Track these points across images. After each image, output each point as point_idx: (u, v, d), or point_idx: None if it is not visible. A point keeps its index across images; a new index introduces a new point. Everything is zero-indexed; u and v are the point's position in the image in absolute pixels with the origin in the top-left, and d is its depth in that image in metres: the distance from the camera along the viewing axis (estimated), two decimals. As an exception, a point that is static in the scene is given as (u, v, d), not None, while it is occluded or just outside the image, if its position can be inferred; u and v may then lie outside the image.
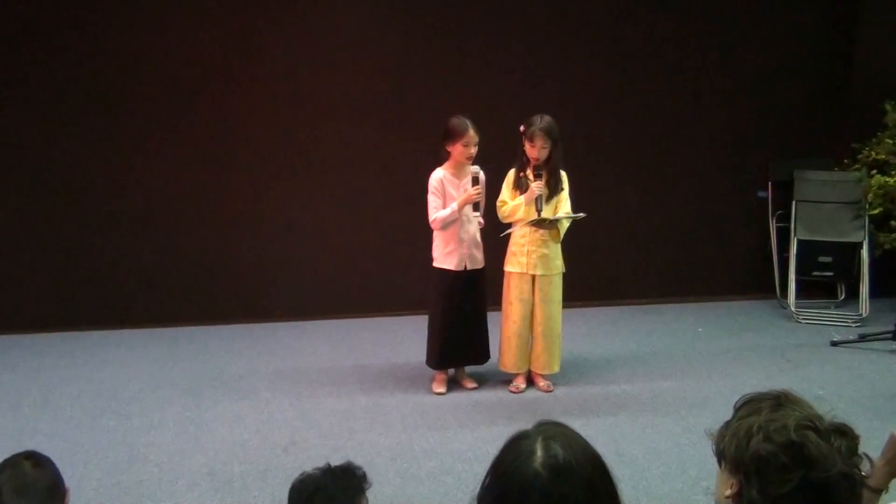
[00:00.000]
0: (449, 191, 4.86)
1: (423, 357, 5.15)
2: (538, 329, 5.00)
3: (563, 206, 4.92)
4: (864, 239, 6.42)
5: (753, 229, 6.97)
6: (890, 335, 5.75)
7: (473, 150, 4.80)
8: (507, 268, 5.00)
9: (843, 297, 6.76)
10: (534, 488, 1.47)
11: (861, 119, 6.53)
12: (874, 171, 6.28)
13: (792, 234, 6.59)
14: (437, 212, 4.84)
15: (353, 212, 6.40)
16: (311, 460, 4.05)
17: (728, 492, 1.62)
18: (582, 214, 4.87)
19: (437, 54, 6.33)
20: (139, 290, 6.22)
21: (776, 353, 5.71)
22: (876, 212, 6.30)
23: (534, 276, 4.94)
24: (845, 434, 1.58)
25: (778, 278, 6.78)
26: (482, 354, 5.12)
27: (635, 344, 5.93)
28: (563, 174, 4.93)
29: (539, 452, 1.49)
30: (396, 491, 3.82)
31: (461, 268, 4.92)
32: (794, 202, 6.63)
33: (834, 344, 5.84)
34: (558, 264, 4.99)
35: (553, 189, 4.89)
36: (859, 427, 1.64)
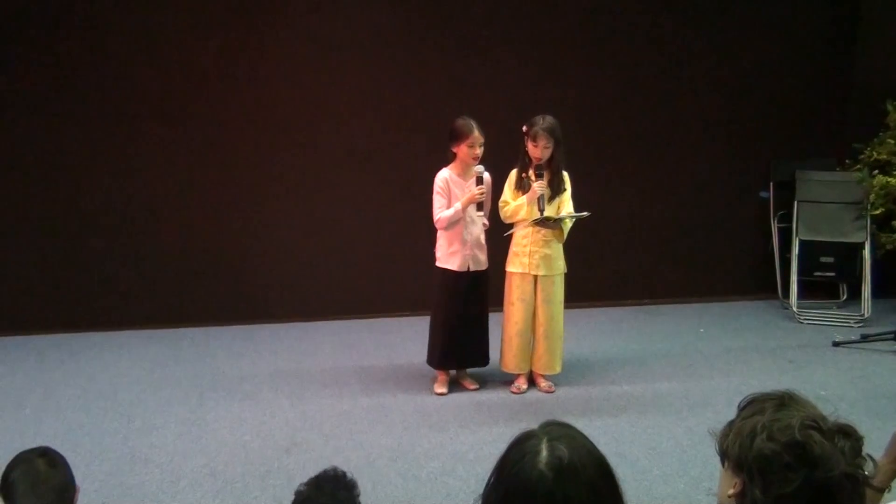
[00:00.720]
0: (454, 191, 4.86)
1: (425, 357, 5.15)
2: (540, 330, 5.00)
3: (565, 207, 4.92)
4: (866, 239, 6.42)
5: (755, 230, 6.97)
6: (892, 335, 5.74)
7: (479, 151, 4.81)
8: (509, 268, 5.00)
9: (845, 297, 6.76)
10: (538, 489, 1.47)
11: (863, 119, 6.53)
12: (876, 172, 6.28)
13: (794, 235, 6.59)
14: (441, 211, 4.85)
15: (354, 212, 6.40)
16: (313, 461, 4.08)
17: (731, 491, 1.62)
18: (586, 213, 4.86)
19: (439, 54, 6.33)
20: (141, 292, 6.22)
21: (778, 353, 5.71)
22: (878, 212, 6.30)
23: (536, 277, 4.94)
24: (849, 435, 1.58)
25: (780, 279, 6.78)
26: (483, 356, 5.12)
27: (637, 344, 5.92)
28: (566, 174, 4.93)
29: (544, 453, 1.50)
30: (398, 492, 3.82)
31: (464, 269, 4.92)
32: (795, 202, 6.63)
33: (836, 344, 5.84)
34: (560, 265, 4.98)
35: (555, 189, 4.89)
36: (862, 427, 1.63)
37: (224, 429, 4.52)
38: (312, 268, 6.40)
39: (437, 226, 4.91)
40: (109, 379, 5.26)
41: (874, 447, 1.73)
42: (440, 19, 6.31)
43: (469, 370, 5.17)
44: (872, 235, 6.42)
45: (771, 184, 6.84)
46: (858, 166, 6.43)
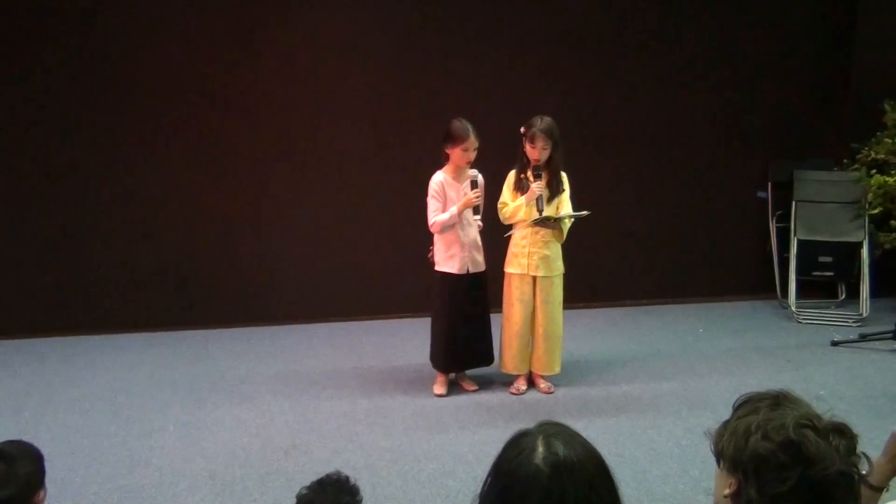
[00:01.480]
0: (449, 194, 4.87)
1: (425, 359, 5.16)
2: (539, 330, 5.00)
3: (564, 208, 4.92)
4: (864, 239, 6.43)
5: (753, 230, 6.97)
6: (890, 335, 5.75)
7: (472, 155, 4.82)
8: (508, 269, 5.00)
9: (843, 297, 6.76)
10: (535, 484, 1.47)
11: (860, 119, 6.53)
12: (874, 171, 6.28)
13: (792, 235, 6.59)
14: (436, 215, 4.85)
15: (353, 215, 6.41)
16: (312, 463, 4.08)
17: (727, 491, 1.63)
18: (585, 212, 4.87)
19: (437, 56, 6.34)
20: (140, 294, 6.22)
21: (777, 353, 5.71)
22: (876, 211, 6.30)
23: (535, 278, 4.94)
24: (843, 433, 1.58)
25: (778, 278, 6.78)
26: (486, 357, 5.13)
27: (636, 345, 5.93)
28: (564, 175, 4.94)
29: (540, 449, 1.51)
30: (397, 493, 3.82)
31: (463, 271, 4.92)
32: (793, 202, 6.64)
33: (834, 344, 5.84)
34: (559, 265, 4.99)
35: (554, 190, 4.89)
36: (860, 427, 1.64)
37: (223, 431, 4.52)
38: (311, 270, 6.41)
39: (431, 229, 4.92)
40: (108, 381, 5.26)
41: (873, 446, 1.73)
42: (438, 22, 6.32)
43: (469, 371, 5.17)
44: (870, 235, 6.43)
45: (769, 184, 6.85)
46: (856, 166, 6.43)
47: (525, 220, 4.88)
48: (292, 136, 6.26)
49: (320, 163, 6.32)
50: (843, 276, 6.64)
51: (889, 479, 2.03)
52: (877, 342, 5.80)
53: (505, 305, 5.04)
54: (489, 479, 1.56)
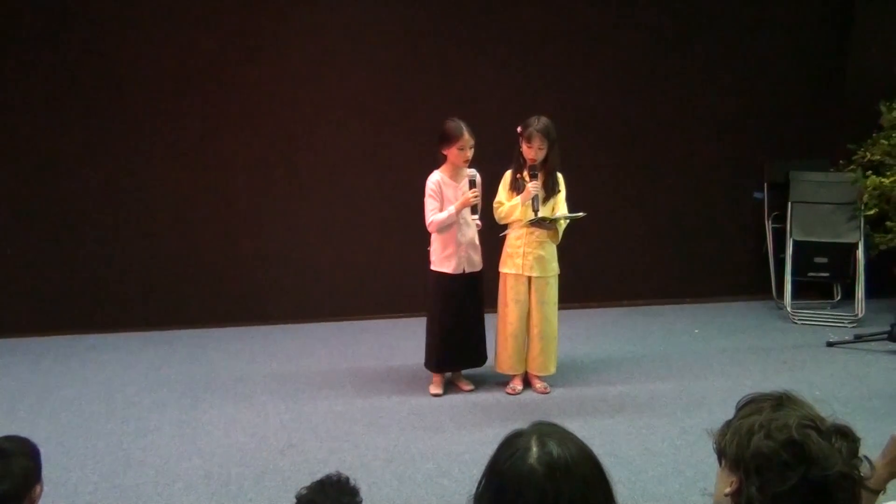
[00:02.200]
0: (446, 193, 4.86)
1: (420, 359, 5.15)
2: (534, 331, 5.00)
3: (560, 208, 4.92)
4: (860, 240, 6.44)
5: (749, 231, 6.99)
6: (885, 335, 5.77)
7: (469, 154, 4.81)
8: (503, 269, 5.00)
9: (838, 297, 6.78)
10: (529, 484, 1.47)
11: (856, 120, 6.55)
12: (869, 172, 6.30)
13: (788, 235, 6.60)
14: (434, 214, 4.85)
15: (350, 215, 6.40)
16: (308, 463, 4.08)
17: (727, 490, 1.63)
18: (581, 214, 4.87)
19: (434, 56, 6.34)
20: (136, 294, 6.21)
21: (772, 353, 5.72)
22: (871, 213, 6.32)
23: (529, 278, 4.94)
24: (846, 435, 1.59)
25: (774, 279, 6.79)
26: (480, 357, 5.13)
27: (632, 345, 5.93)
28: (560, 176, 4.94)
29: (534, 449, 1.51)
30: (393, 493, 3.82)
31: (459, 271, 4.92)
32: (789, 203, 6.64)
33: (830, 345, 5.86)
34: (554, 266, 4.99)
35: (550, 191, 4.89)
36: (856, 427, 1.64)
37: (219, 430, 4.51)
38: (307, 270, 6.40)
39: (429, 229, 4.91)
40: (104, 381, 5.25)
41: (868, 447, 1.73)
42: (436, 21, 6.32)
43: (464, 371, 5.17)
44: (866, 236, 6.44)
45: (765, 184, 6.86)
46: (852, 167, 6.44)
47: (521, 221, 4.88)
48: (288, 135, 6.25)
49: (317, 162, 6.32)
50: (838, 277, 6.65)
51: (886, 481, 2.04)
52: (872, 343, 5.81)
53: (500, 306, 5.04)
54: (483, 479, 1.56)
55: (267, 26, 6.10)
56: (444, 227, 4.86)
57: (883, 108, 6.28)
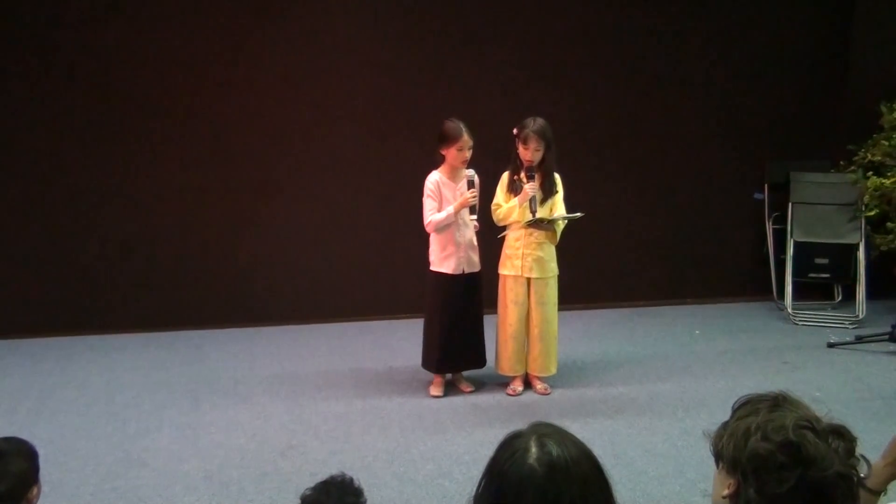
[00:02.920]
0: (445, 194, 4.86)
1: (420, 360, 5.15)
2: (534, 332, 5.00)
3: (557, 209, 4.92)
4: (861, 240, 6.43)
5: (750, 231, 6.98)
6: (886, 336, 5.75)
7: (468, 154, 4.81)
8: (502, 271, 5.00)
9: (839, 298, 6.77)
10: (529, 484, 1.47)
11: (857, 121, 6.54)
12: (870, 173, 6.29)
13: (788, 236, 6.59)
14: (432, 214, 4.85)
15: (349, 215, 6.40)
16: (309, 464, 4.08)
17: (725, 492, 1.63)
18: (579, 214, 4.87)
19: (433, 56, 6.34)
20: (136, 294, 6.21)
21: (773, 354, 5.71)
22: (872, 213, 6.31)
23: (528, 280, 4.94)
24: (843, 435, 1.59)
25: (774, 280, 6.78)
26: (479, 359, 5.12)
27: (632, 346, 5.93)
28: (557, 177, 4.93)
29: (534, 449, 1.51)
30: (394, 494, 3.82)
31: (459, 272, 4.92)
32: (790, 204, 6.63)
33: (831, 345, 5.85)
34: (553, 267, 4.98)
35: (547, 191, 4.88)
36: (856, 428, 1.64)
37: (219, 432, 4.51)
38: (307, 270, 6.40)
39: (427, 229, 4.91)
40: (104, 382, 5.25)
41: (869, 448, 1.73)
42: (433, 22, 6.31)
43: (465, 373, 5.17)
44: (867, 237, 6.43)
45: (765, 185, 6.86)
46: (853, 168, 6.44)
47: (519, 222, 4.88)
48: (287, 136, 6.25)
49: (317, 163, 6.32)
50: (839, 278, 6.65)
51: (887, 482, 2.04)
52: (873, 344, 5.80)
53: (499, 307, 5.04)
54: (483, 480, 1.56)
55: (266, 27, 6.10)
56: (442, 227, 4.86)
57: (883, 109, 6.27)
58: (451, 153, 4.81)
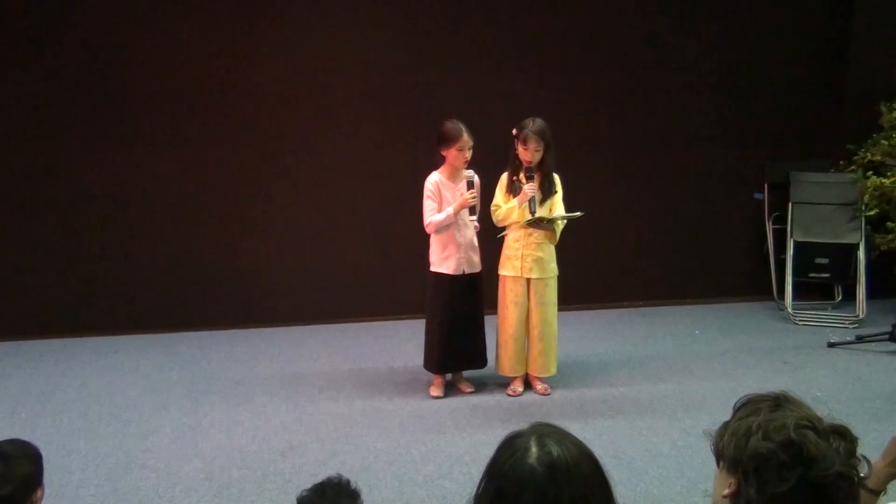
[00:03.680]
0: (445, 194, 4.87)
1: (421, 361, 5.15)
2: (534, 332, 5.00)
3: (557, 209, 4.91)
4: (861, 240, 6.43)
5: (750, 231, 6.98)
6: (887, 336, 5.75)
7: (468, 155, 4.82)
8: (502, 271, 5.00)
9: (839, 298, 6.77)
10: (530, 484, 1.47)
11: (857, 121, 6.54)
12: (870, 173, 6.29)
13: (788, 236, 6.60)
14: (432, 215, 4.85)
15: (350, 216, 6.40)
16: (309, 465, 4.08)
17: (726, 491, 1.63)
18: (578, 213, 4.87)
19: (433, 57, 6.34)
20: (136, 296, 6.22)
21: (773, 354, 5.71)
22: (872, 213, 6.31)
23: (528, 280, 4.94)
24: (844, 435, 1.59)
25: (775, 280, 6.79)
26: (480, 359, 5.12)
27: (632, 346, 5.93)
28: (556, 177, 4.94)
29: (534, 449, 1.51)
30: (394, 495, 3.82)
31: (459, 272, 4.92)
32: (790, 204, 6.64)
33: (831, 345, 5.85)
34: (553, 267, 4.98)
35: (546, 192, 4.88)
36: (856, 428, 1.64)
37: (220, 433, 4.51)
38: (308, 271, 6.40)
39: (427, 229, 4.91)
40: (105, 383, 5.25)
41: (869, 448, 1.73)
42: (434, 24, 6.32)
43: (465, 373, 5.17)
44: (867, 236, 6.43)
45: (765, 185, 6.86)
46: (853, 168, 6.44)
47: (518, 222, 4.88)
48: (288, 137, 6.25)
49: (317, 164, 6.32)
50: (839, 278, 6.65)
51: (887, 482, 2.04)
52: (873, 343, 5.80)
53: (499, 308, 5.04)
54: (483, 480, 1.56)
55: (267, 27, 6.11)
56: (442, 227, 4.86)
57: (883, 109, 6.28)
58: (451, 153, 4.82)
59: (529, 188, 4.79)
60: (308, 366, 5.56)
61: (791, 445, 1.55)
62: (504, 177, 4.96)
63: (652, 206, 6.81)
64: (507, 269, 4.97)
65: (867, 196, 6.28)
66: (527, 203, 4.81)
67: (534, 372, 5.08)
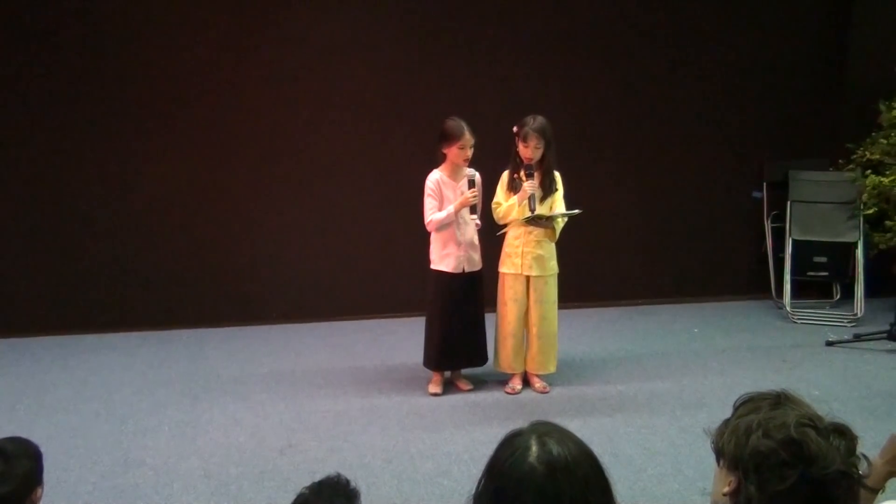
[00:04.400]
0: (445, 192, 4.86)
1: (419, 359, 5.15)
2: (533, 330, 5.00)
3: (557, 207, 4.91)
4: (859, 239, 6.43)
5: (748, 230, 6.98)
6: (885, 335, 5.76)
7: (469, 153, 4.81)
8: (502, 269, 5.00)
9: (838, 297, 6.77)
10: (530, 483, 1.47)
11: (855, 119, 6.54)
12: (868, 172, 6.29)
13: (787, 235, 6.60)
14: (433, 213, 4.85)
15: (348, 214, 6.40)
16: (308, 463, 4.08)
17: (726, 489, 1.63)
18: (578, 210, 4.87)
19: (434, 56, 6.33)
20: (134, 293, 6.21)
21: (772, 353, 5.72)
22: (870, 212, 6.31)
23: (528, 277, 4.94)
24: (844, 434, 1.59)
25: (773, 278, 6.79)
26: (480, 357, 5.12)
27: (631, 344, 5.93)
28: (557, 175, 4.94)
29: (534, 448, 1.51)
30: (392, 493, 3.82)
31: (459, 270, 4.92)
32: (788, 202, 6.64)
33: (829, 344, 5.86)
34: (553, 265, 4.99)
35: (547, 189, 4.88)
36: (855, 426, 1.64)
37: (218, 430, 4.51)
38: (306, 269, 6.40)
39: (427, 228, 4.91)
40: (103, 381, 5.25)
41: (867, 446, 1.73)
42: (433, 21, 6.31)
43: (463, 370, 5.17)
44: (865, 235, 6.43)
45: (764, 184, 6.86)
46: (851, 166, 6.44)
47: (518, 220, 4.88)
48: (287, 136, 6.25)
49: (316, 162, 6.31)
50: (837, 277, 6.65)
51: (885, 480, 2.04)
52: (871, 342, 5.81)
53: (499, 305, 5.04)
54: (483, 479, 1.56)
55: (266, 26, 6.10)
56: (443, 226, 4.86)
57: (882, 108, 6.27)
58: (452, 151, 4.81)
59: (529, 185, 4.79)
60: (307, 363, 5.55)
61: (791, 444, 1.54)
62: (505, 174, 4.96)
63: (651, 205, 6.81)
64: (507, 267, 4.97)
65: (866, 195, 6.27)
66: (526, 200, 4.81)
67: (532, 369, 5.09)
